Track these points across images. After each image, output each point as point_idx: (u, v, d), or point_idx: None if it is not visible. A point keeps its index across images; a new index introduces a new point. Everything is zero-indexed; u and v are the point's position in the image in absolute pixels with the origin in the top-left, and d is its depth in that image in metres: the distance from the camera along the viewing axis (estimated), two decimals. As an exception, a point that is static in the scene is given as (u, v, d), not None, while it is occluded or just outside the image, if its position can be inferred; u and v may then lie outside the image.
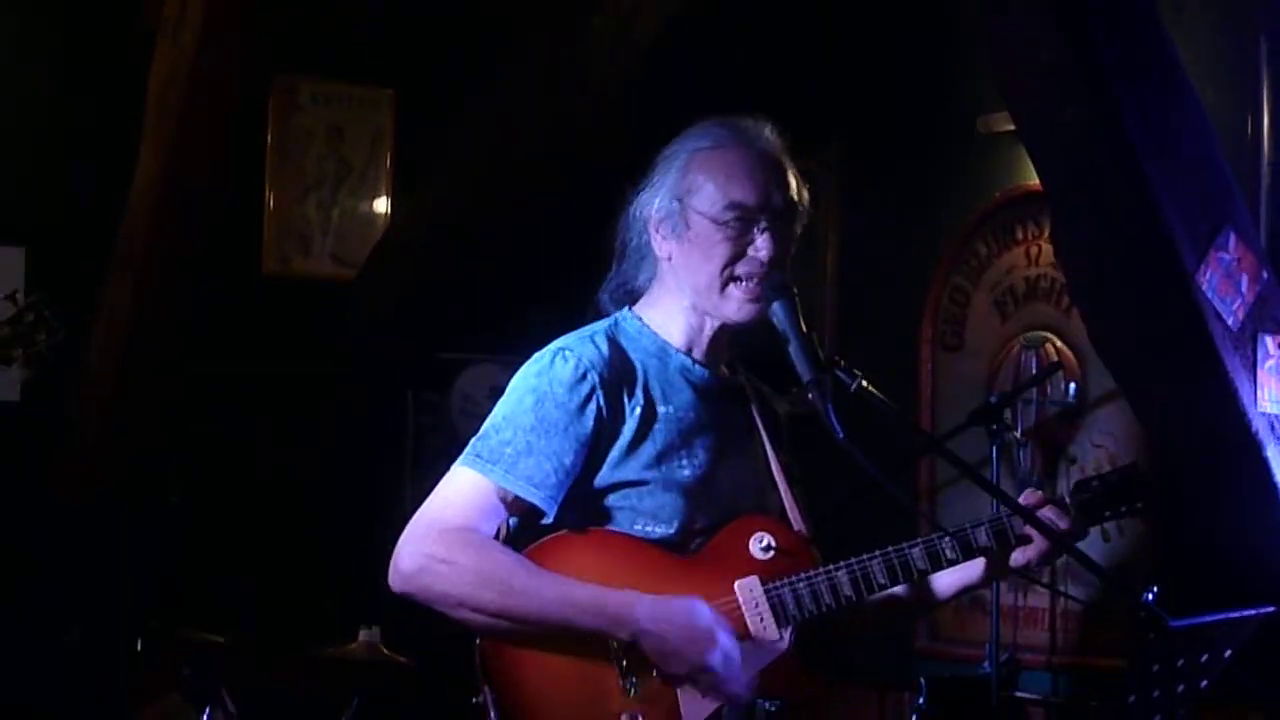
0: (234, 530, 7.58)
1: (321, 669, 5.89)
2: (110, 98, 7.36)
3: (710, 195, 3.72)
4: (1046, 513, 3.82)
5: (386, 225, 8.06)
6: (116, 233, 7.23)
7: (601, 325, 3.82)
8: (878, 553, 3.73)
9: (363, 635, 5.84)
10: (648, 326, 3.81)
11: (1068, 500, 3.88)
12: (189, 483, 7.52)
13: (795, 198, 3.78)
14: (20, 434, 7.35)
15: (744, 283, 3.71)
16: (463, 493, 3.65)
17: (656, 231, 3.78)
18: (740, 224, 3.71)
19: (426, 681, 5.49)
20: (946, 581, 3.95)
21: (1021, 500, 3.83)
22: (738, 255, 3.71)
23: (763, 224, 3.72)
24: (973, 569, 3.89)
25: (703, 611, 3.62)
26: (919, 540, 3.75)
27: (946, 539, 3.76)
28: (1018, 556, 3.84)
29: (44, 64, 7.53)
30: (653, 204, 3.79)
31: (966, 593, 4.02)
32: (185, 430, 7.53)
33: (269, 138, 7.95)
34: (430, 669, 5.49)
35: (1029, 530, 3.78)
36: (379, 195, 8.12)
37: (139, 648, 6.02)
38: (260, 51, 7.11)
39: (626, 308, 3.86)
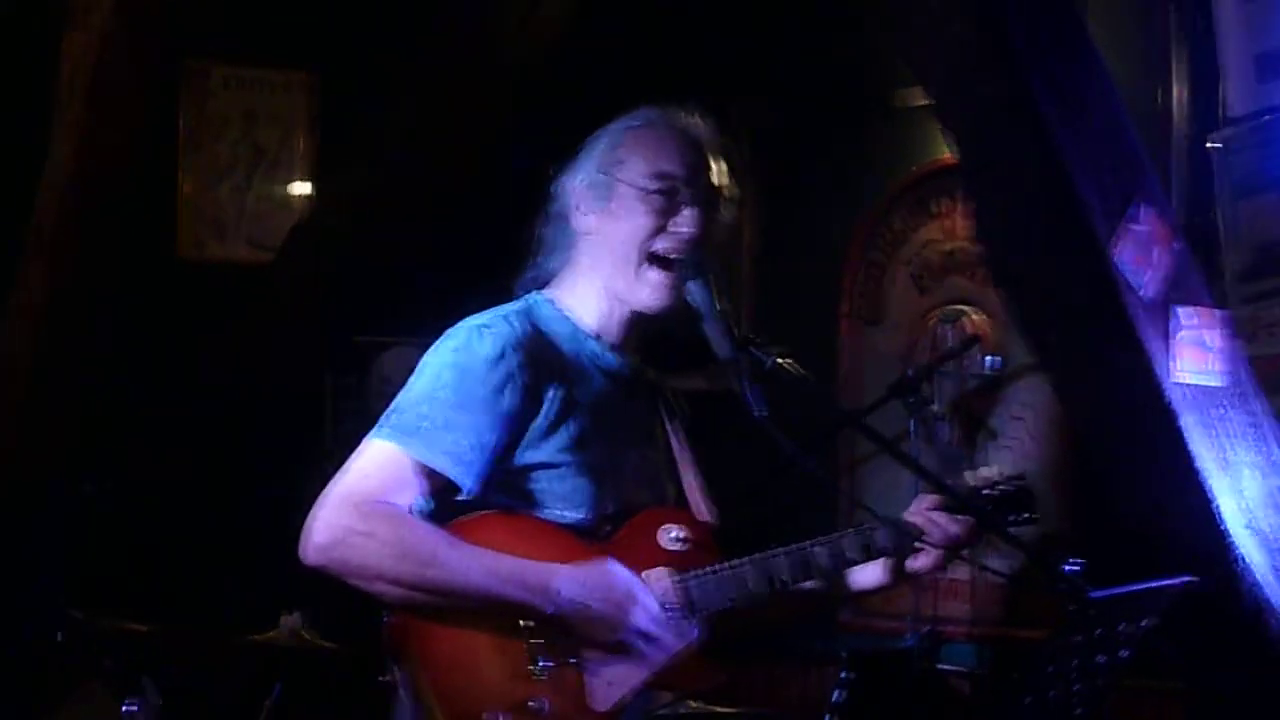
0: (153, 518, 7.54)
1: (243, 655, 5.86)
2: (21, 82, 7.29)
3: (637, 166, 3.74)
4: (941, 517, 3.85)
5: (302, 209, 8.03)
6: (30, 219, 7.17)
7: (514, 307, 3.80)
8: (781, 550, 3.75)
9: (284, 621, 5.81)
10: (560, 310, 3.79)
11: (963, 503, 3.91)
12: (104, 471, 7.46)
13: (720, 183, 3.78)
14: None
15: (661, 264, 3.71)
16: (379, 465, 3.61)
17: (578, 207, 3.78)
18: (665, 196, 3.71)
19: (349, 665, 5.48)
20: (860, 580, 4.01)
21: (914, 505, 3.87)
22: (660, 228, 3.71)
23: (687, 198, 3.72)
24: (879, 574, 3.94)
25: (619, 574, 3.62)
26: (823, 539, 3.79)
27: (848, 539, 3.80)
28: (912, 563, 3.89)
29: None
30: (576, 179, 3.80)
31: (880, 593, 4.06)
32: (101, 417, 7.48)
33: (181, 123, 7.91)
34: (352, 653, 5.47)
35: (925, 533, 3.82)
36: (294, 179, 8.09)
37: (59, 638, 5.97)
38: (171, 35, 7.07)
39: (536, 291, 3.84)
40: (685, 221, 3.70)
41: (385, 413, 3.68)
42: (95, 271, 7.24)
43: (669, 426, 3.90)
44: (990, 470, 3.97)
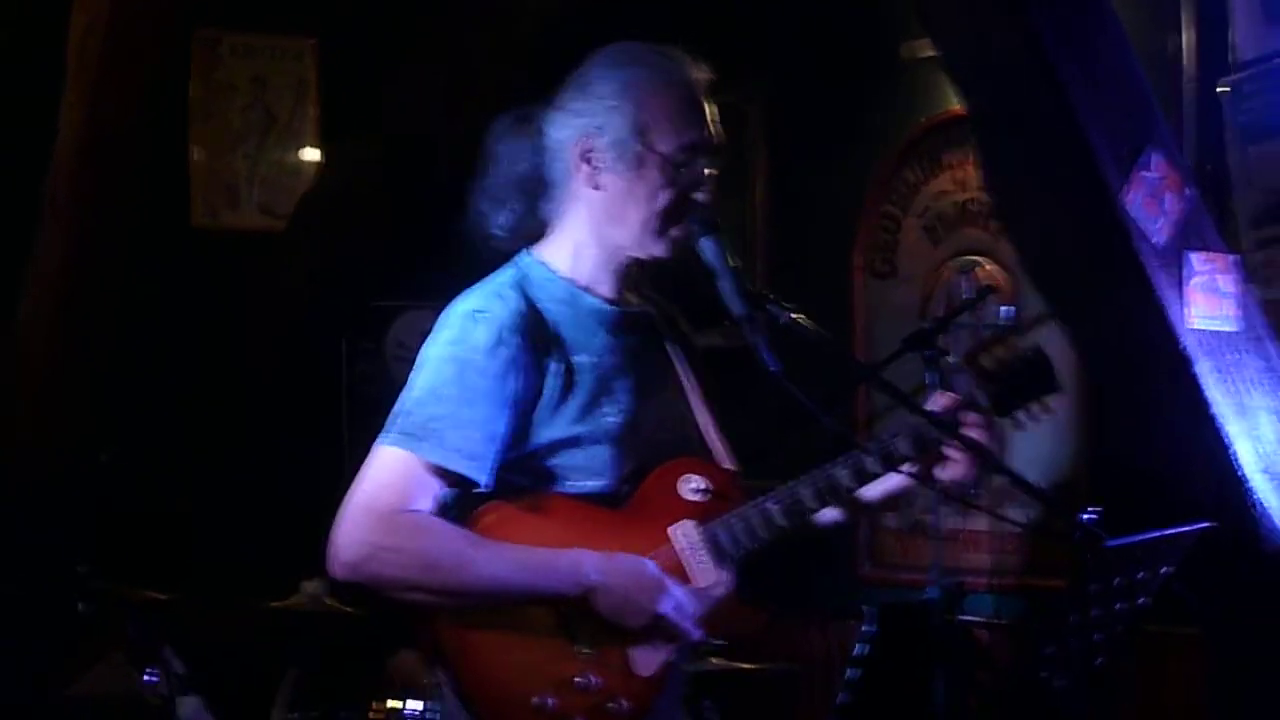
0: (172, 486, 7.56)
1: (265, 622, 5.88)
2: (31, 52, 7.29)
3: (665, 136, 3.63)
4: (962, 418, 3.80)
5: (314, 175, 8.03)
6: (43, 189, 7.19)
7: (507, 276, 3.71)
8: (804, 478, 3.71)
9: (306, 587, 5.83)
10: (554, 272, 3.72)
11: (976, 397, 3.85)
12: (121, 439, 7.48)
13: (718, 135, 3.75)
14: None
15: (678, 224, 3.68)
16: (395, 472, 3.56)
17: (585, 161, 3.68)
18: (689, 166, 3.66)
19: (371, 631, 5.50)
20: (877, 489, 3.88)
21: (934, 401, 3.83)
22: (683, 198, 3.67)
23: (705, 164, 3.68)
24: (901, 478, 3.84)
25: (649, 564, 3.62)
26: (841, 459, 3.71)
27: (868, 454, 3.73)
28: (941, 474, 3.82)
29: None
30: (587, 131, 3.68)
31: (899, 495, 3.97)
32: (117, 385, 7.50)
33: (191, 91, 7.92)
34: (374, 618, 5.49)
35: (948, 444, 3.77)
36: (305, 145, 8.10)
37: (80, 609, 5.99)
38: (179, 3, 7.07)
39: (526, 251, 3.78)
40: (704, 191, 3.67)
41: (391, 414, 3.63)
42: (109, 241, 7.25)
43: (680, 369, 3.85)
44: (1000, 351, 3.88)
